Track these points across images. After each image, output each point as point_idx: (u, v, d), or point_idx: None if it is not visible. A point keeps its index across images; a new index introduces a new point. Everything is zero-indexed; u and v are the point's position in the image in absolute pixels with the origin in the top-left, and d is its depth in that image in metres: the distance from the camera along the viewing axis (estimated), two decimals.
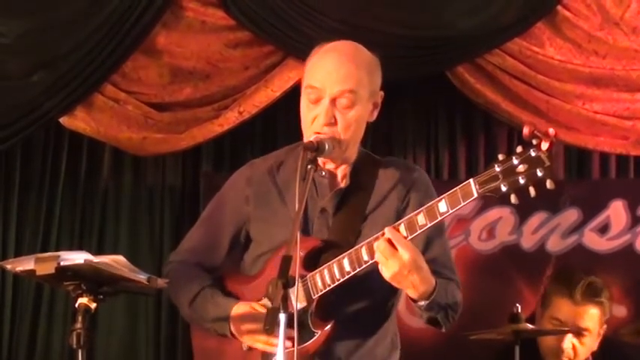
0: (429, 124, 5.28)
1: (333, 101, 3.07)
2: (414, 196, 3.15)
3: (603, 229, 4.97)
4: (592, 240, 4.96)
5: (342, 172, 3.19)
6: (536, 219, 4.97)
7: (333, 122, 3.07)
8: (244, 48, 5.01)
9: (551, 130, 2.74)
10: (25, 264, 2.96)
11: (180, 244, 3.44)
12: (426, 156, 5.23)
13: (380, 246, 2.90)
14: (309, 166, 2.96)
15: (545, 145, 2.71)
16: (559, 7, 4.95)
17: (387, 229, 2.92)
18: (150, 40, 4.94)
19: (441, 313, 3.04)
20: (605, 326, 4.44)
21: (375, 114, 3.20)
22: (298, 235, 2.80)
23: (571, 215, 4.96)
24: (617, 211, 4.97)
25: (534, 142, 2.72)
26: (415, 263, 2.90)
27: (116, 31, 4.85)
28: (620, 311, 4.89)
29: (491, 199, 4.98)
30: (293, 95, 4.86)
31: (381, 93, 3.20)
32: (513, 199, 2.78)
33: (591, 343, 4.40)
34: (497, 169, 2.78)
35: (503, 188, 2.77)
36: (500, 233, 4.98)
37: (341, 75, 3.08)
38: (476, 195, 2.83)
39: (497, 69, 5.00)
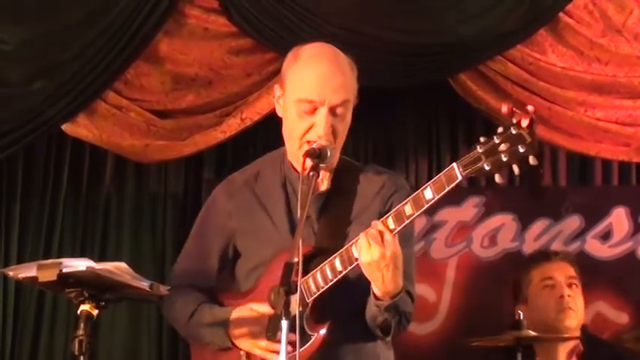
0: (431, 131, 5.28)
1: (330, 110, 3.07)
2: (396, 200, 3.12)
3: (605, 236, 4.97)
4: (594, 247, 4.96)
5: (321, 176, 3.16)
6: (538, 226, 4.96)
7: (332, 131, 3.08)
8: (246, 55, 5.01)
9: (530, 107, 2.74)
10: (27, 271, 2.97)
11: (175, 264, 3.43)
12: (428, 162, 5.22)
13: (370, 232, 2.89)
14: (311, 174, 2.95)
15: (525, 122, 2.71)
16: (561, 14, 4.95)
17: (375, 222, 2.91)
18: (152, 48, 4.94)
19: (396, 317, 3.04)
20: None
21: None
22: (300, 242, 2.81)
23: (573, 222, 4.96)
24: (619, 218, 4.97)
25: (514, 119, 2.72)
26: (394, 260, 2.89)
27: (118, 38, 4.85)
28: (622, 318, 4.89)
29: (493, 206, 5.00)
30: None
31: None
32: (498, 178, 2.79)
33: (581, 300, 4.40)
34: (480, 150, 2.79)
35: (487, 167, 2.78)
36: (503, 240, 4.97)
37: (337, 85, 3.09)
38: (460, 178, 2.84)
39: (500, 76, 5.00)
